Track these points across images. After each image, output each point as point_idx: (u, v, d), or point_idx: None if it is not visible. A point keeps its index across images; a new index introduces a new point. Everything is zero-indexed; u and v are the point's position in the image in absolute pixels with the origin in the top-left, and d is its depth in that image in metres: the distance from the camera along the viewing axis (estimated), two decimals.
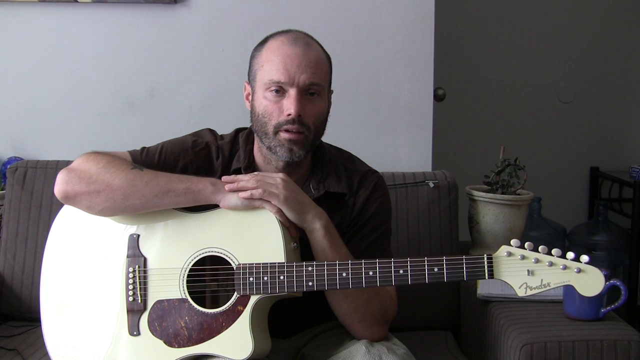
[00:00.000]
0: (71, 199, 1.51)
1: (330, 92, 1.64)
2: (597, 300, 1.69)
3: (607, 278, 1.41)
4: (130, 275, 1.52)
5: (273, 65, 1.54)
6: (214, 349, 1.45)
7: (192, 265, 1.49)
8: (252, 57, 1.61)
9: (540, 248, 1.35)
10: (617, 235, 3.31)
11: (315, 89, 1.55)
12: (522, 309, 1.79)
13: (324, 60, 1.59)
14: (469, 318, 2.06)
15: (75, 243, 1.58)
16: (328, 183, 1.64)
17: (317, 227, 1.48)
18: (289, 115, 1.52)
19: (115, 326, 1.53)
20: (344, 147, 1.77)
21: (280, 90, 1.54)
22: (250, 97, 1.62)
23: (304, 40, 1.57)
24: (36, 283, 1.63)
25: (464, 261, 1.37)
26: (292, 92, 1.53)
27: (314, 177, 1.65)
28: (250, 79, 1.62)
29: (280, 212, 1.47)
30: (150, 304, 1.51)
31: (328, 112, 1.62)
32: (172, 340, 1.48)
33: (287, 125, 1.53)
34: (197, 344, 1.46)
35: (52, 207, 2.09)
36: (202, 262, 1.50)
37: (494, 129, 3.50)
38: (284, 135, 1.54)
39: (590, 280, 1.32)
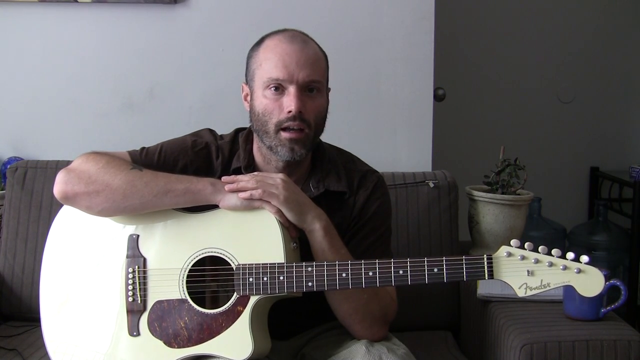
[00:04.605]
0: (70, 199, 1.51)
1: (328, 89, 1.64)
2: (597, 300, 1.69)
3: (607, 278, 1.41)
4: (130, 275, 1.52)
5: (271, 63, 1.53)
6: (214, 349, 1.45)
7: (192, 266, 1.49)
8: (249, 57, 1.61)
9: (540, 248, 1.34)
10: (617, 235, 3.31)
11: (314, 85, 1.55)
12: (522, 309, 1.78)
13: (321, 57, 1.59)
14: (469, 318, 2.06)
15: (75, 243, 1.58)
16: (328, 182, 1.64)
17: (317, 228, 1.48)
18: (290, 112, 1.52)
19: (114, 327, 1.53)
20: (344, 147, 1.77)
21: (279, 88, 1.54)
22: (248, 98, 1.62)
23: (301, 38, 1.57)
24: (36, 283, 1.63)
25: (463, 261, 1.37)
26: (291, 89, 1.52)
27: (313, 176, 1.65)
28: (248, 79, 1.62)
29: (279, 213, 1.47)
30: (150, 305, 1.51)
31: (327, 109, 1.62)
32: (172, 340, 1.48)
33: (288, 123, 1.53)
34: (197, 344, 1.46)
35: (52, 207, 2.09)
36: (201, 262, 1.50)
37: (494, 129, 3.50)
38: (285, 135, 1.54)
39: (590, 281, 1.32)
